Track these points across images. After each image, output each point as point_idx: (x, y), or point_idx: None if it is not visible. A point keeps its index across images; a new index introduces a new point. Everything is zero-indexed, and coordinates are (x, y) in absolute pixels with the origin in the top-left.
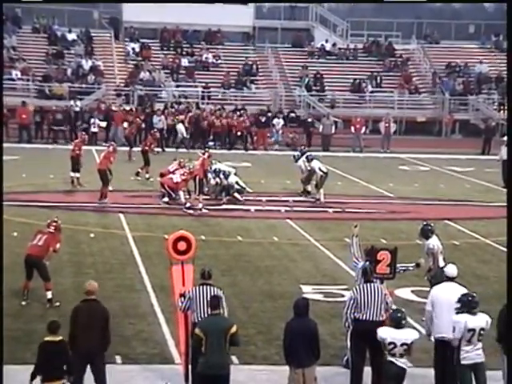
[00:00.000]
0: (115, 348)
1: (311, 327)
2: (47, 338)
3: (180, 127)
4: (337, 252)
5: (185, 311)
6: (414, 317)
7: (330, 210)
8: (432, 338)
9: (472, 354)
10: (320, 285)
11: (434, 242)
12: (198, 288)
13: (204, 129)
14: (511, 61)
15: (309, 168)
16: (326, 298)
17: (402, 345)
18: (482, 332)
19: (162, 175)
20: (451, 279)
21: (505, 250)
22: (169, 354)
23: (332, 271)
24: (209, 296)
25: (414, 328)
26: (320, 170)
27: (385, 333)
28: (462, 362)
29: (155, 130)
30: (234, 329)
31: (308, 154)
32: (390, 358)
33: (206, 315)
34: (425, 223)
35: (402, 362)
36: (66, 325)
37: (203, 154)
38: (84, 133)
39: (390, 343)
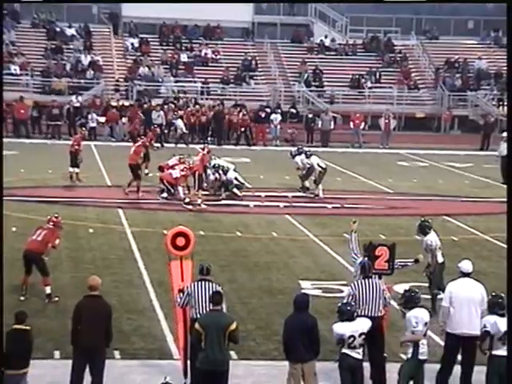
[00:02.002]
0: (114, 343)
1: (311, 323)
2: (16, 326)
3: (179, 123)
4: (336, 247)
5: (183, 307)
6: None
7: (329, 206)
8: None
9: (425, 350)
10: (319, 280)
11: (432, 237)
12: (196, 284)
13: (224, 125)
14: (511, 59)
15: (308, 164)
16: (325, 293)
17: (361, 335)
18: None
19: (160, 169)
20: (467, 275)
21: (504, 245)
22: (167, 350)
23: (331, 267)
24: (207, 292)
25: None
26: (318, 165)
27: (342, 328)
28: (420, 357)
29: (155, 125)
30: (233, 326)
31: (306, 150)
32: (344, 351)
33: (204, 311)
34: (422, 219)
35: (358, 353)
36: (63, 319)
37: (203, 149)
38: (84, 128)
39: (350, 336)
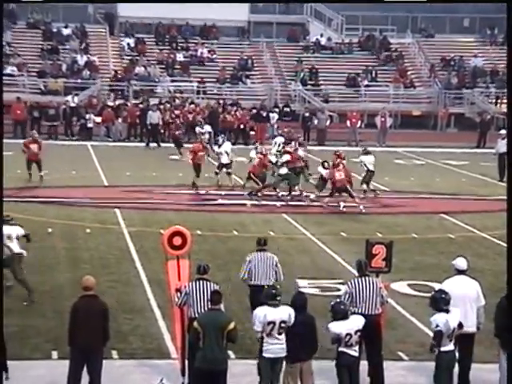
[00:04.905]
0: (112, 343)
1: (309, 322)
2: None
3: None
4: (333, 246)
5: (181, 306)
6: (409, 310)
7: (325, 205)
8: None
9: (273, 347)
10: (316, 279)
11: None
12: (194, 283)
13: (219, 124)
14: (511, 58)
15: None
16: (322, 292)
17: (356, 332)
18: (282, 325)
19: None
20: (462, 272)
21: (500, 243)
22: (165, 349)
23: (328, 265)
24: (205, 291)
25: (411, 322)
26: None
27: (338, 327)
28: (263, 354)
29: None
30: (231, 325)
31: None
32: (341, 349)
33: (202, 310)
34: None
35: (355, 351)
36: (61, 319)
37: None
38: (34, 131)
39: (347, 335)
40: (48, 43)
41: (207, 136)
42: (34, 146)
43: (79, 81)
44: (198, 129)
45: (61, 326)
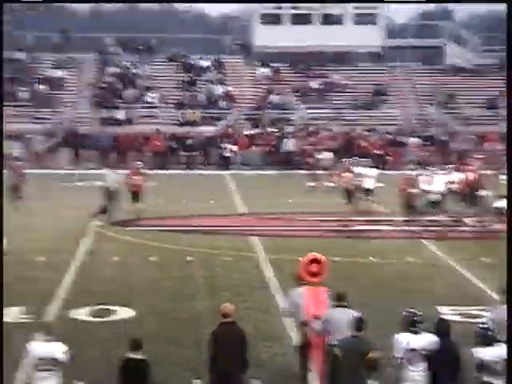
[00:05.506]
0: (250, 371)
1: (453, 349)
2: (129, 355)
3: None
4: (473, 271)
5: (320, 334)
6: None
7: (468, 228)
8: None
9: (414, 375)
10: (456, 305)
11: None
12: (333, 310)
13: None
14: (511, 60)
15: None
16: (465, 318)
17: (504, 361)
18: (423, 352)
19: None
20: None
21: None
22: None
23: (468, 291)
24: (344, 318)
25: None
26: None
27: (483, 353)
28: (404, 383)
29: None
30: (372, 353)
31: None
32: (486, 379)
33: (343, 337)
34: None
35: (502, 381)
36: (199, 348)
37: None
38: (139, 162)
39: (493, 362)
40: (187, 75)
41: (328, 162)
42: (137, 178)
43: (216, 111)
44: (317, 156)
45: (200, 355)
